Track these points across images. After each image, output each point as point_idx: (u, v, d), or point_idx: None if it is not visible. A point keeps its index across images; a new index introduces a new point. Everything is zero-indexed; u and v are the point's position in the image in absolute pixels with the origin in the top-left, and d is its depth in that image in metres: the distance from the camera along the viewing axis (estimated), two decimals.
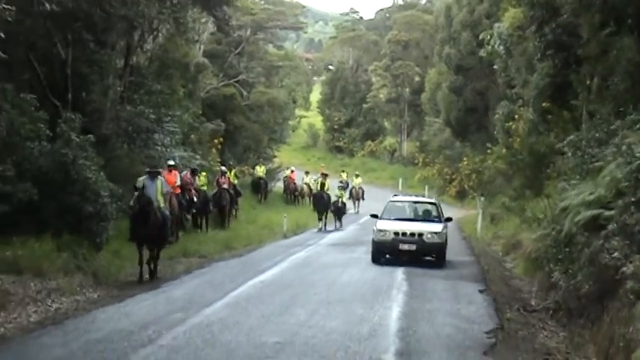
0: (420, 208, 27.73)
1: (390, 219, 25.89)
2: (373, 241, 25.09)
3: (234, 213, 36.45)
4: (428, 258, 24.63)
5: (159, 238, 20.19)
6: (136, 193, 19.69)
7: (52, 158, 20.08)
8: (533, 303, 17.59)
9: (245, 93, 55.28)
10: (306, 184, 52.85)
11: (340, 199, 40.76)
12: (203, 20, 43.37)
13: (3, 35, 16.47)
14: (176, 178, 26.04)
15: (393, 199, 28.94)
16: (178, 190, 26.52)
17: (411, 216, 26.92)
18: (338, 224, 39.81)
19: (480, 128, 55.74)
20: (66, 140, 20.56)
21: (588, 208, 14.29)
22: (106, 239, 20.59)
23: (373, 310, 15.93)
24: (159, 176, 20.75)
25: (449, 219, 26.77)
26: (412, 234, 24.62)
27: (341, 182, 46.45)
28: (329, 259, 25.81)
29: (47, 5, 18.81)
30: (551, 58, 24.30)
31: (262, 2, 63.97)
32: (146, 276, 19.79)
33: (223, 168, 36.31)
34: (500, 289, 19.70)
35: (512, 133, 36.81)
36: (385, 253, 24.85)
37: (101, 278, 18.66)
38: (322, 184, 39.94)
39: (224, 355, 11.56)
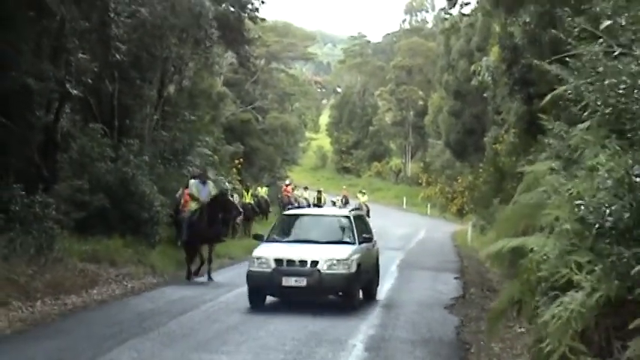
0: (325, 225, 19.22)
1: (279, 241, 18.18)
2: (247, 274, 17.38)
3: (238, 226, 35.48)
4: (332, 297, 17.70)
5: (218, 236, 22.64)
6: (202, 199, 21.97)
7: (115, 175, 25.02)
8: (497, 288, 22.48)
9: (260, 118, 59.96)
10: (305, 198, 54.08)
11: None
12: (225, 56, 48.18)
13: (91, 81, 21.56)
14: None
15: (286, 212, 21.45)
16: None
17: (310, 237, 18.14)
18: None
19: (477, 149, 59.16)
20: (125, 161, 25.62)
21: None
22: (158, 240, 25.15)
23: None
24: (208, 181, 23.87)
25: (367, 239, 18.59)
26: (302, 262, 16.86)
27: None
28: None
29: (118, 56, 23.66)
30: (519, 93, 29.05)
31: (274, 34, 68.57)
32: (205, 275, 22.05)
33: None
34: (473, 278, 24.79)
35: (499, 154, 41.57)
36: (264, 291, 17.41)
37: (157, 269, 23.16)
38: (319, 199, 43.16)
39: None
